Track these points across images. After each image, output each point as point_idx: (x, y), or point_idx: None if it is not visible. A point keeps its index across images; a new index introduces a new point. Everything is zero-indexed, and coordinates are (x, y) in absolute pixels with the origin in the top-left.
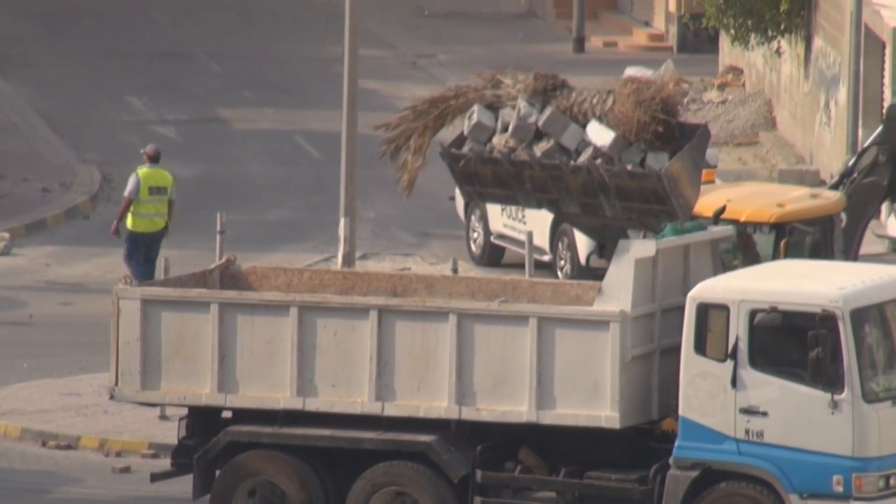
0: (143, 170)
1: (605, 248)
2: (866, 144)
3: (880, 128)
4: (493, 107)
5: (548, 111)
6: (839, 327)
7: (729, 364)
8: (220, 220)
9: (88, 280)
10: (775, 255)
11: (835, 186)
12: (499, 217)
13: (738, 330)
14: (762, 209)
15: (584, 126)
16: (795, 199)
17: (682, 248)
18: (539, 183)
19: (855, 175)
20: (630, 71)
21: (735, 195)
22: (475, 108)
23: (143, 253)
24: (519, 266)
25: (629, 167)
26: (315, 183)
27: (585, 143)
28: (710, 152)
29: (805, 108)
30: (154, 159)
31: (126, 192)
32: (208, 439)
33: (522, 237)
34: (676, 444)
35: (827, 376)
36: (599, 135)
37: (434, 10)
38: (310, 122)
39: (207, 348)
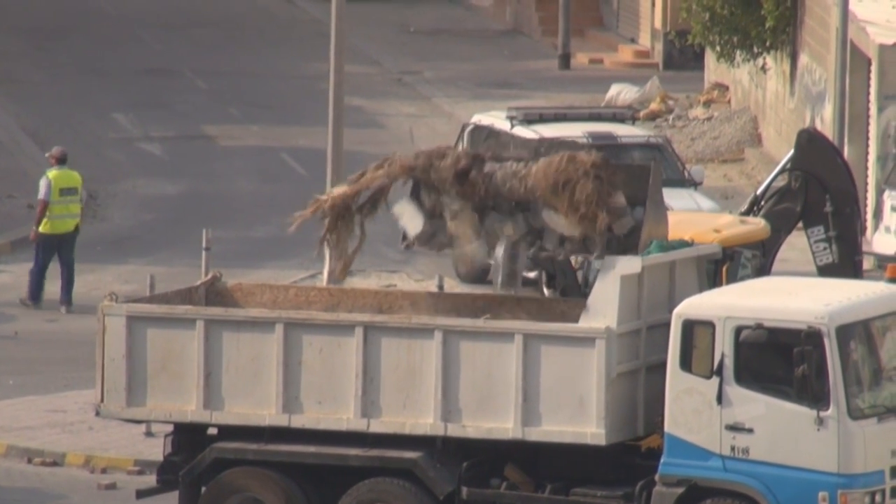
0: (52, 172)
1: (554, 278)
2: (776, 170)
3: (791, 153)
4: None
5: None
6: (825, 344)
7: (714, 381)
8: (206, 237)
9: (74, 297)
10: (716, 282)
11: (745, 213)
12: None
13: (724, 346)
14: (701, 235)
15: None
16: (729, 225)
17: (667, 265)
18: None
19: (763, 202)
20: (615, 88)
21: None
22: (398, 206)
23: (55, 256)
24: None
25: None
26: (301, 199)
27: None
28: (696, 169)
29: (791, 125)
30: (61, 161)
31: (40, 196)
32: (194, 456)
33: None
34: (662, 460)
35: (812, 393)
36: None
37: (420, 26)
38: (295, 139)
39: (193, 365)
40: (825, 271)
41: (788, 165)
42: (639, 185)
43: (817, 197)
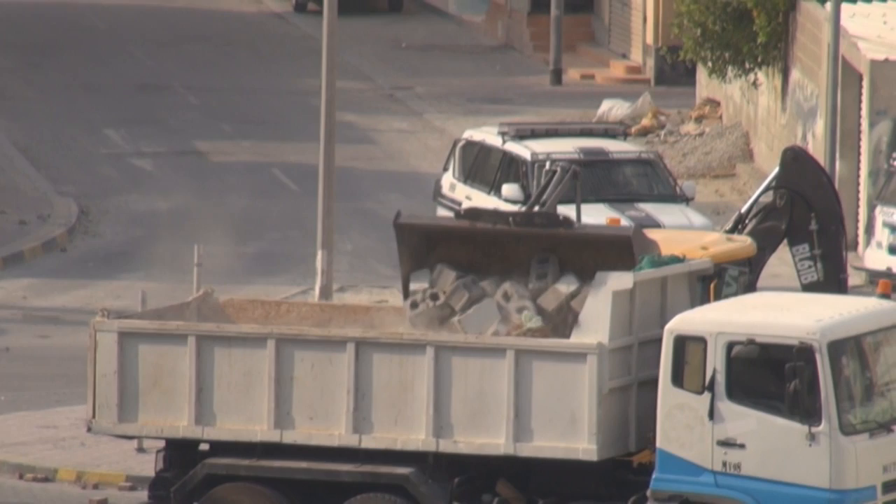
0: None
1: None
2: (761, 188)
3: (776, 170)
4: None
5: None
6: (816, 359)
7: (706, 396)
8: (198, 253)
9: (66, 313)
10: (705, 298)
11: (730, 231)
12: None
13: (716, 362)
14: (688, 253)
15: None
16: (715, 242)
17: (659, 281)
18: None
19: (747, 220)
20: (607, 103)
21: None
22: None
23: None
24: None
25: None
26: (292, 215)
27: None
28: (688, 184)
29: (782, 141)
30: None
31: None
32: (186, 472)
33: None
34: (654, 476)
35: (804, 408)
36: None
37: (411, 42)
38: (287, 155)
39: (185, 381)
40: (810, 289)
41: (773, 183)
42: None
43: (802, 215)
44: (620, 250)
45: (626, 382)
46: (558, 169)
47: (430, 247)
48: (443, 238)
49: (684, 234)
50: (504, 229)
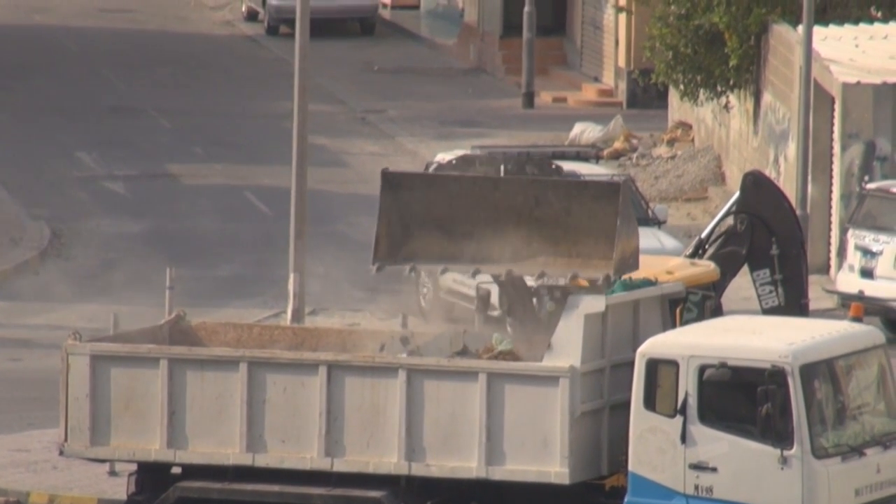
0: None
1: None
2: (721, 213)
3: (736, 195)
4: None
5: None
6: (788, 383)
7: (678, 419)
8: (170, 276)
9: (38, 336)
10: (673, 323)
11: (691, 256)
12: (448, 273)
13: (688, 385)
14: (656, 277)
15: None
16: (680, 267)
17: (631, 304)
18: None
19: (708, 246)
20: (579, 126)
21: None
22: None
23: None
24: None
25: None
26: (264, 238)
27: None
28: (660, 207)
29: (754, 164)
30: None
31: None
32: (158, 495)
33: (472, 292)
34: (626, 499)
35: (776, 432)
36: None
37: (383, 65)
38: (259, 178)
39: (157, 404)
40: (771, 314)
41: (734, 208)
42: (608, 204)
43: (763, 240)
44: (608, 197)
45: (599, 406)
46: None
47: (414, 192)
48: (430, 183)
49: (648, 258)
50: (494, 177)
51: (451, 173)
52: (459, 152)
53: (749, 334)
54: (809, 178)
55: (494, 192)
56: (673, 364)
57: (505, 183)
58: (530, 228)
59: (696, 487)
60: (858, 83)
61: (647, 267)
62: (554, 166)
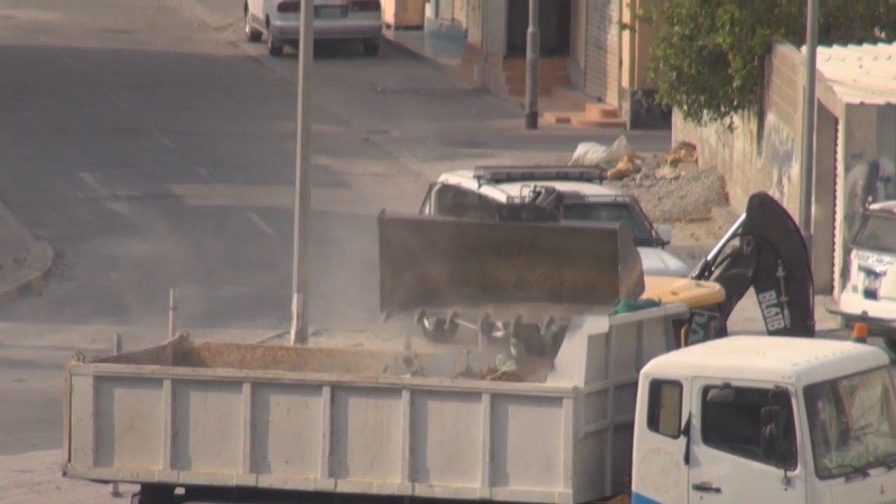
0: None
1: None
2: (727, 235)
3: (742, 217)
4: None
5: None
6: (792, 403)
7: (682, 440)
8: (173, 297)
9: (41, 357)
10: (677, 343)
11: (696, 278)
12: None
13: (692, 406)
14: (660, 298)
15: None
16: (685, 288)
17: (635, 325)
18: None
19: (714, 267)
20: (582, 147)
21: None
22: None
23: None
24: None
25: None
26: (268, 259)
27: None
28: (663, 228)
29: (758, 184)
30: None
31: None
32: None
33: None
34: None
35: (780, 453)
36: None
37: (387, 86)
38: (262, 199)
39: (160, 425)
40: (777, 336)
41: (740, 230)
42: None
43: (769, 261)
44: (606, 243)
45: (602, 426)
46: (542, 190)
47: (413, 241)
48: (427, 231)
49: (653, 279)
50: (491, 223)
51: (448, 218)
52: (463, 172)
53: (752, 355)
54: (813, 198)
55: (493, 235)
56: (676, 385)
57: (503, 229)
58: (532, 271)
59: None
60: (862, 104)
61: (652, 288)
62: (549, 211)
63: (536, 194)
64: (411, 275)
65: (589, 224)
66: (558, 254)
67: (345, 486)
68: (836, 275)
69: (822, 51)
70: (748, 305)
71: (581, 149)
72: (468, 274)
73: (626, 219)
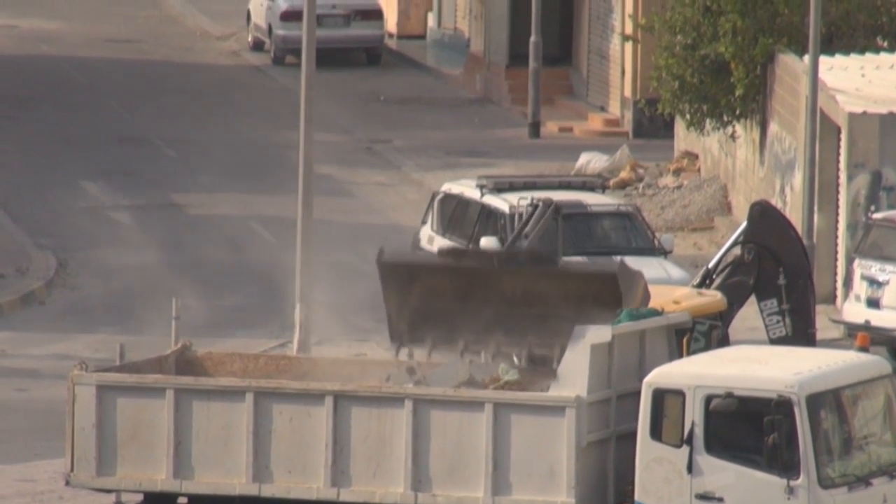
0: None
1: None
2: (728, 244)
3: (743, 225)
4: None
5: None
6: (795, 413)
7: (685, 449)
8: (176, 306)
9: (44, 366)
10: (679, 353)
11: (697, 287)
12: None
13: (694, 415)
14: (662, 307)
15: None
16: (687, 297)
17: (637, 334)
18: None
19: (715, 276)
20: (585, 156)
21: None
22: None
23: None
24: None
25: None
26: (270, 268)
27: None
28: (666, 237)
29: (760, 193)
30: None
31: None
32: None
33: None
34: None
35: (783, 462)
36: None
37: (390, 95)
38: (265, 208)
39: (163, 434)
40: (778, 344)
41: (741, 238)
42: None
43: (770, 270)
44: (606, 285)
45: (605, 436)
46: (540, 203)
47: (413, 283)
48: (426, 274)
49: (655, 288)
50: (488, 269)
51: (446, 261)
52: (466, 182)
53: (755, 364)
54: (815, 207)
55: (490, 281)
56: (679, 394)
57: (501, 273)
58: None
59: None
60: (865, 113)
61: (655, 297)
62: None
63: (534, 207)
64: (416, 311)
65: (587, 268)
66: (558, 298)
67: (347, 496)
68: (839, 284)
69: (824, 60)
70: (750, 314)
71: (584, 158)
72: (471, 311)
73: (629, 228)
